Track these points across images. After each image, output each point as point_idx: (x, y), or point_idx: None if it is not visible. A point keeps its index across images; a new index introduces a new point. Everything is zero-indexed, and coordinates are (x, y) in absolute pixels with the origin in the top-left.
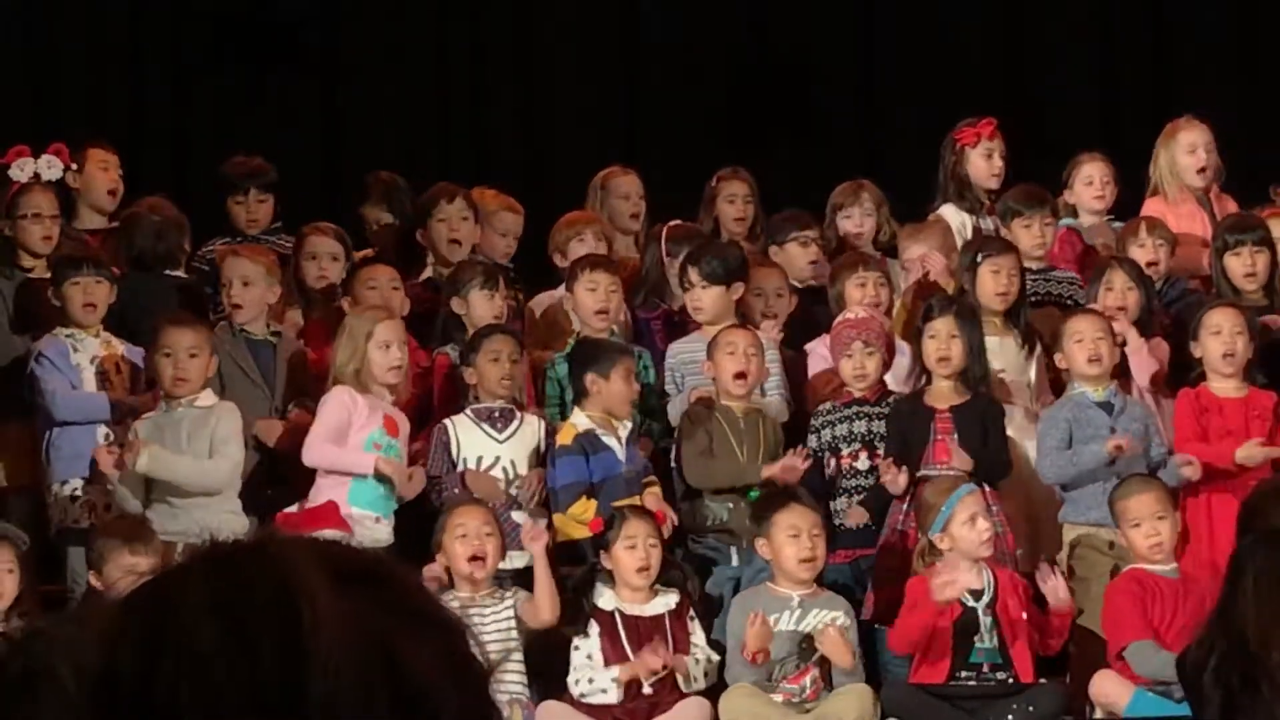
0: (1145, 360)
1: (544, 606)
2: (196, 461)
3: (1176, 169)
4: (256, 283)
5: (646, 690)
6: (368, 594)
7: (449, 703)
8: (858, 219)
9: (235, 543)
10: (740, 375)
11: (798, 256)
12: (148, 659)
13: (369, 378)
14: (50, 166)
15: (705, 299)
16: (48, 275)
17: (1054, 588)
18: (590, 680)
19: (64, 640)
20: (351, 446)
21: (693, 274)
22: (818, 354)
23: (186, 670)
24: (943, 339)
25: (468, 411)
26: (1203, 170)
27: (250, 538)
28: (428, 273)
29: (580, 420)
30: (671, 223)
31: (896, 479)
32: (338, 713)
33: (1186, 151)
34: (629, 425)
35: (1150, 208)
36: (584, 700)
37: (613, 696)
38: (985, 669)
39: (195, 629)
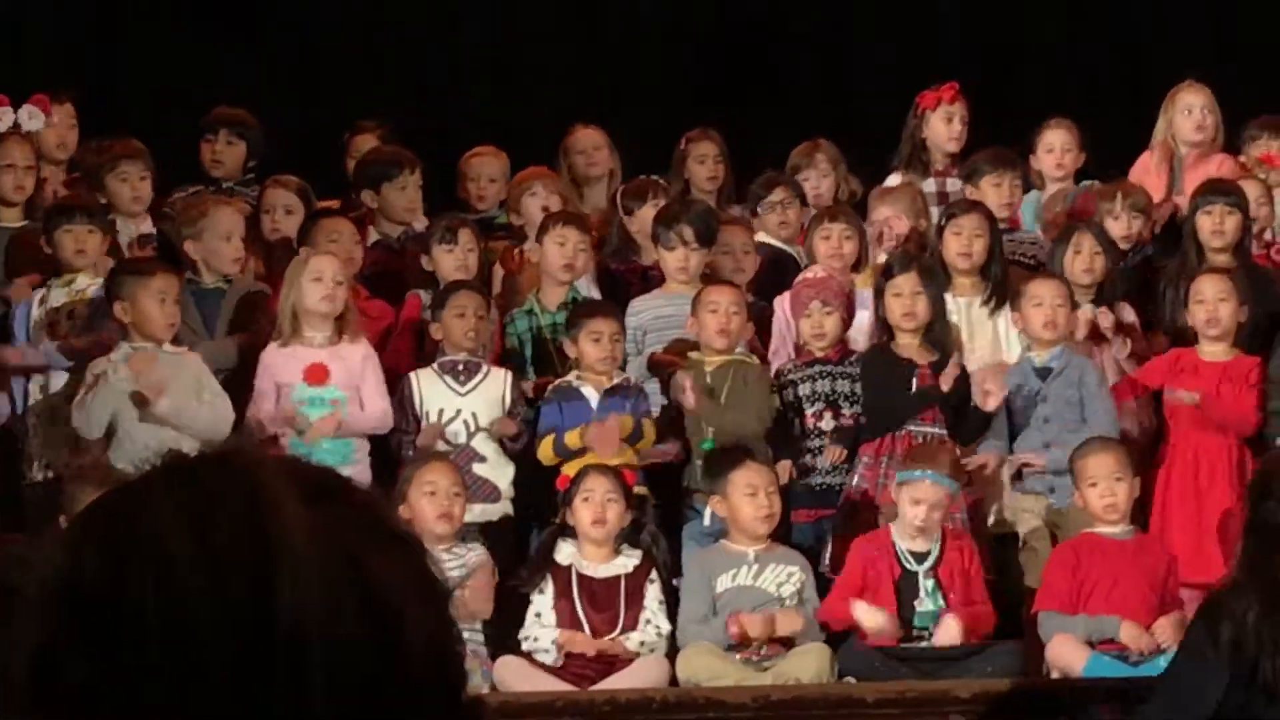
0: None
1: (479, 605)
2: (210, 410)
3: (1174, 131)
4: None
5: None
6: (334, 508)
7: (415, 616)
8: (814, 180)
9: (200, 454)
10: (722, 332)
11: (769, 222)
12: (113, 565)
13: (301, 310)
14: (31, 117)
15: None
16: (20, 224)
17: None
18: (535, 638)
19: (32, 558)
20: (283, 401)
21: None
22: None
23: (153, 576)
24: (907, 295)
25: (433, 365)
26: (1201, 128)
27: (213, 451)
28: (373, 234)
29: (570, 376)
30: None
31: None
32: (305, 623)
33: (1183, 112)
34: (617, 379)
35: (1138, 168)
36: (533, 656)
37: (553, 658)
38: (929, 633)
39: (162, 536)
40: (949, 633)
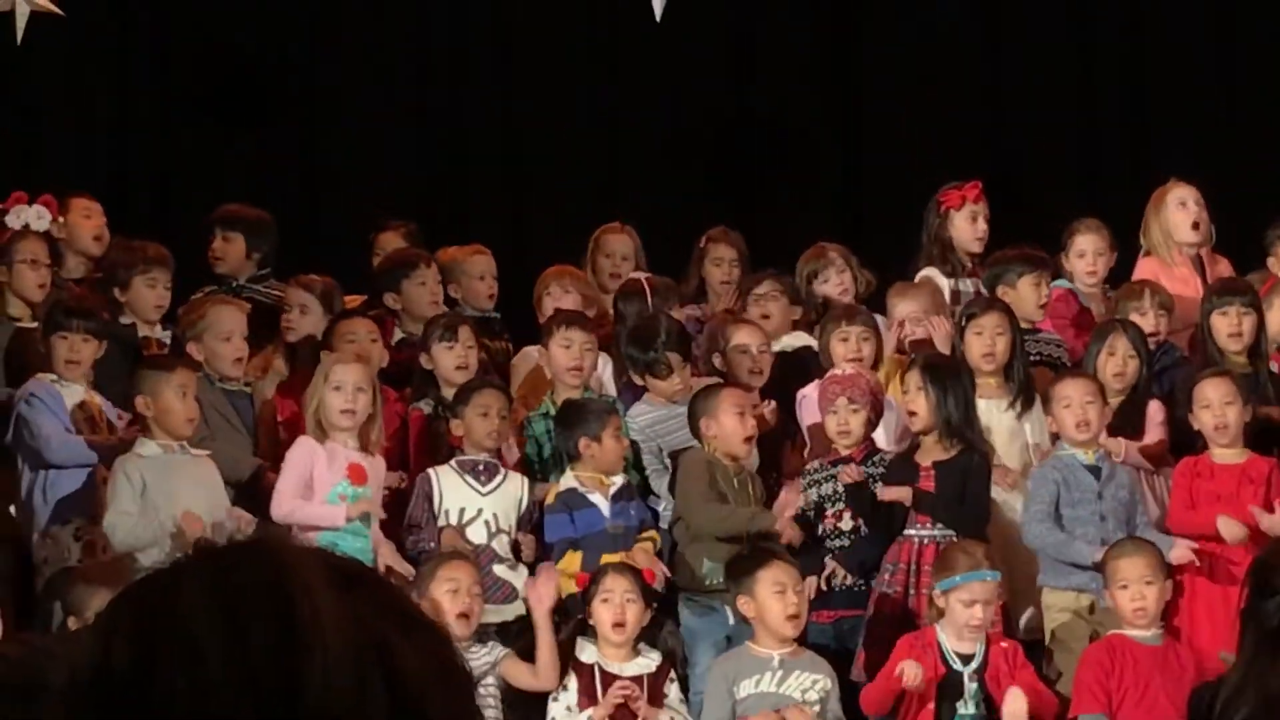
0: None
1: (546, 672)
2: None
3: (1169, 227)
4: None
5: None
6: (360, 595)
7: (439, 703)
8: (835, 280)
9: (229, 542)
10: (749, 439)
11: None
12: (143, 651)
13: (326, 421)
14: (40, 217)
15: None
16: (34, 325)
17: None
18: None
19: (58, 653)
20: (316, 499)
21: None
22: (810, 400)
23: (182, 661)
24: (912, 394)
25: (452, 463)
26: (1196, 225)
27: (243, 538)
28: (398, 333)
29: (567, 480)
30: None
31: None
32: (332, 707)
33: (1178, 207)
34: (618, 482)
35: (1144, 269)
36: None
37: None
38: None
39: (191, 621)
40: (1016, 703)
